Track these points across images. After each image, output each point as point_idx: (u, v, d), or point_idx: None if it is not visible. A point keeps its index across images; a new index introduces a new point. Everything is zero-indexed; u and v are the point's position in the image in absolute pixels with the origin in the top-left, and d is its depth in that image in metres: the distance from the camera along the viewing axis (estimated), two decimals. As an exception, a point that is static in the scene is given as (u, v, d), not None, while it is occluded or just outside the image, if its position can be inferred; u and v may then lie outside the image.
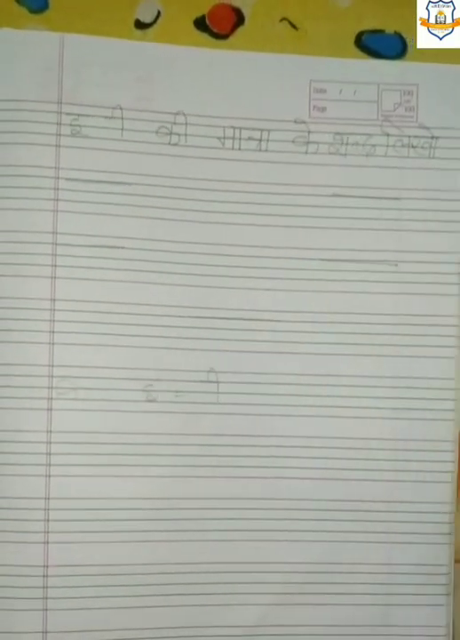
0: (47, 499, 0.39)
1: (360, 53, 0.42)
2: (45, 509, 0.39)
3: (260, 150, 0.41)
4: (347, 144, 0.41)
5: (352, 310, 0.41)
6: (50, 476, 0.39)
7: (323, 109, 0.41)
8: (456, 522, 0.41)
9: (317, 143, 0.41)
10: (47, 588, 0.39)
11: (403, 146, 0.41)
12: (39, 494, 0.39)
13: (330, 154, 0.41)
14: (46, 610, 0.39)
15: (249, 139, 0.41)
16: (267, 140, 0.41)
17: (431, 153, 0.41)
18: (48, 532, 0.39)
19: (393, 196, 0.41)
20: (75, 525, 0.39)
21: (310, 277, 0.41)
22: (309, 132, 0.41)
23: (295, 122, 0.41)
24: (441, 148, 0.41)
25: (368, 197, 0.41)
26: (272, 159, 0.41)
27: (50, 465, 0.39)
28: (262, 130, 0.41)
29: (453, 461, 0.41)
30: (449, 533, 0.41)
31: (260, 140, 0.41)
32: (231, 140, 0.41)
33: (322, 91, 0.41)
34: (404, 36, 0.42)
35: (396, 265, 0.41)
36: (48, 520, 0.39)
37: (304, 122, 0.41)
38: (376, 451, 0.41)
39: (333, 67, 0.41)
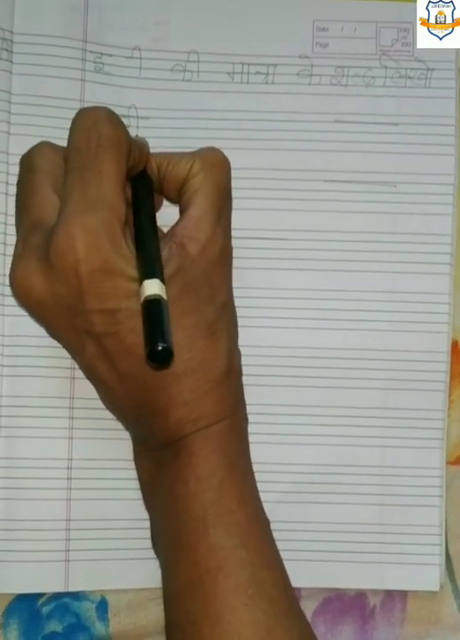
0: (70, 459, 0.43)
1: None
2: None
3: (267, 83, 0.44)
4: (348, 76, 0.44)
5: (353, 228, 0.43)
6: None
7: (325, 45, 0.44)
8: (448, 427, 0.43)
9: (320, 76, 0.44)
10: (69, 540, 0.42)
11: (400, 77, 0.44)
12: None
13: (332, 85, 0.44)
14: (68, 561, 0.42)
15: (257, 73, 0.44)
16: (273, 74, 0.44)
17: (426, 83, 0.44)
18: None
19: (392, 122, 0.44)
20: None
21: (314, 198, 0.44)
22: (312, 65, 0.44)
23: (299, 57, 0.44)
24: (436, 78, 0.44)
25: (368, 123, 0.44)
26: (278, 90, 0.44)
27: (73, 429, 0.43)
28: (268, 65, 0.44)
29: (445, 371, 0.43)
30: (441, 438, 0.43)
31: (267, 74, 0.44)
32: (240, 75, 0.44)
33: (325, 29, 0.44)
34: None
35: (395, 185, 0.44)
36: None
37: (307, 57, 0.44)
38: (374, 360, 0.43)
39: (335, 7, 0.44)
